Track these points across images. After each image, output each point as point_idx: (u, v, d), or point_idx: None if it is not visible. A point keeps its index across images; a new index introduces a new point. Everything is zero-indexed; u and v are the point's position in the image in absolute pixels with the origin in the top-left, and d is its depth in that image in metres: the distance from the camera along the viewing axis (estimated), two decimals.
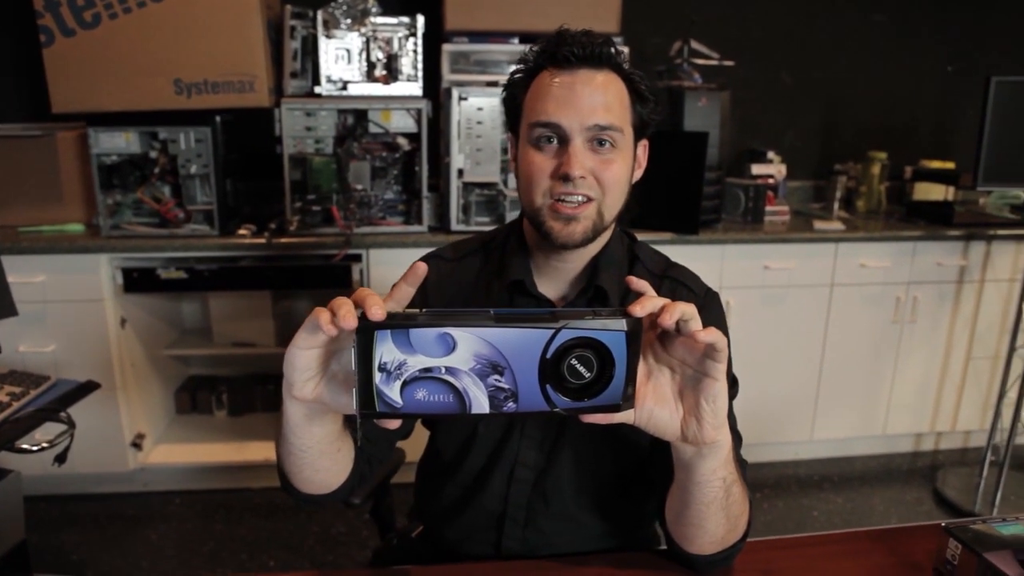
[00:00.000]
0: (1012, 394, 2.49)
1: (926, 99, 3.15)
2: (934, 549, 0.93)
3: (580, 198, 0.91)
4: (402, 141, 2.35)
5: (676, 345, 0.71)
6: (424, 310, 0.63)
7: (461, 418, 0.66)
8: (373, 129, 2.34)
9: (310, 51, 2.38)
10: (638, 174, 1.00)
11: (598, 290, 0.98)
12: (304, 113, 2.31)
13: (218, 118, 2.29)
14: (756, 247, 2.51)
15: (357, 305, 0.62)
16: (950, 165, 3.00)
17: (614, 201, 0.94)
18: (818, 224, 2.62)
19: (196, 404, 2.79)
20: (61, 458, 1.54)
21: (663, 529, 0.93)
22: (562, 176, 0.90)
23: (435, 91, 2.45)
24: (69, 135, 2.34)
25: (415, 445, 1.16)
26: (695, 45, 2.64)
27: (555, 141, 0.92)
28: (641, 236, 1.10)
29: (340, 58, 2.34)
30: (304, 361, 0.68)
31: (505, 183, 2.38)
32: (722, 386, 0.70)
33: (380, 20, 2.34)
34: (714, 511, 0.81)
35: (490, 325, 0.62)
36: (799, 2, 2.97)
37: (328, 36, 2.32)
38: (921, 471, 2.82)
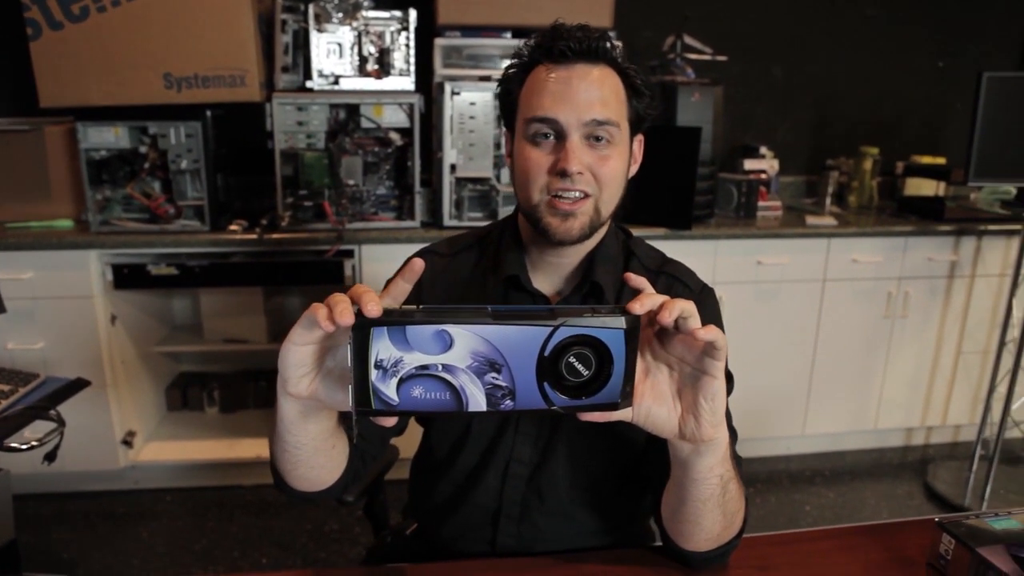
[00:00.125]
0: (1002, 388, 2.51)
1: (917, 94, 3.16)
2: (927, 544, 0.94)
3: (577, 194, 0.91)
4: (394, 136, 2.33)
5: (675, 343, 0.70)
6: (421, 307, 0.63)
7: (458, 416, 0.66)
8: (365, 124, 2.32)
9: (301, 45, 2.37)
10: (634, 169, 0.99)
11: (594, 286, 0.98)
12: (296, 108, 2.29)
13: (209, 113, 2.27)
14: (749, 242, 2.52)
15: (353, 302, 0.62)
16: (941, 160, 3.01)
17: (611, 196, 0.93)
18: (810, 219, 2.63)
19: (187, 401, 2.77)
20: (51, 457, 1.52)
21: (659, 526, 0.93)
22: (559, 172, 0.89)
23: (427, 86, 2.44)
24: (57, 130, 2.31)
25: (409, 442, 1.16)
26: (688, 40, 2.64)
27: (552, 137, 0.91)
28: (634, 231, 1.10)
29: (332, 52, 2.33)
30: (299, 357, 0.68)
31: (498, 178, 2.37)
32: (721, 384, 0.70)
33: (372, 14, 2.33)
34: (711, 508, 0.80)
35: (488, 322, 0.61)
36: None
37: (320, 30, 2.30)
38: (912, 465, 2.84)
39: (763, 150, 2.89)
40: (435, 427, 1.08)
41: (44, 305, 2.24)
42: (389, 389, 0.62)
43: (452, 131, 2.31)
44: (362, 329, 0.60)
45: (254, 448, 2.51)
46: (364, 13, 2.32)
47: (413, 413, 0.64)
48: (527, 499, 1.02)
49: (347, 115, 2.34)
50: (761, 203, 2.71)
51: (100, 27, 2.14)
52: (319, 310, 0.63)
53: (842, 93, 3.11)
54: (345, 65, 2.34)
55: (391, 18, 2.34)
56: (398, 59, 2.37)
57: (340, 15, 2.31)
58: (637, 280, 0.71)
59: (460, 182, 2.38)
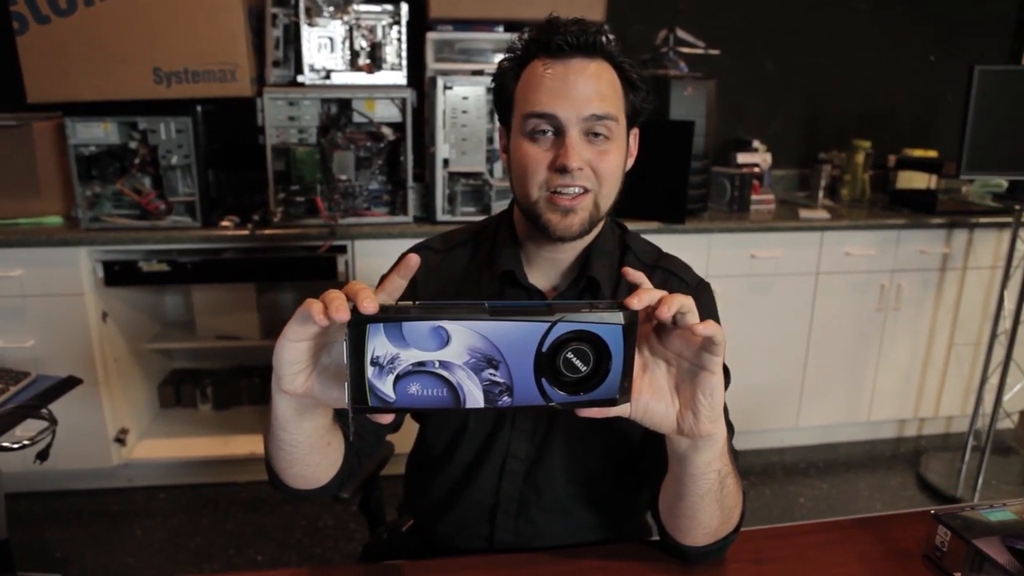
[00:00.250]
0: (994, 380, 2.52)
1: (909, 88, 3.16)
2: (923, 536, 0.94)
3: (577, 189, 0.90)
4: (387, 131, 2.32)
5: (673, 338, 0.70)
6: (417, 303, 0.62)
7: (455, 412, 0.65)
8: (357, 119, 2.31)
9: (292, 39, 2.35)
10: (630, 163, 0.99)
11: (590, 281, 0.98)
12: (287, 103, 2.28)
13: (199, 108, 2.25)
14: (742, 236, 2.52)
15: (349, 298, 0.61)
16: (933, 154, 3.02)
17: (610, 191, 0.93)
18: (803, 213, 2.63)
19: (180, 398, 2.76)
20: (43, 455, 1.51)
21: (655, 521, 0.93)
22: (559, 168, 0.89)
23: (419, 80, 2.43)
24: (45, 125, 2.29)
25: (404, 437, 1.15)
26: (681, 34, 2.64)
27: (550, 133, 0.90)
28: (628, 226, 1.10)
29: (323, 47, 2.31)
30: (294, 354, 0.67)
31: (491, 173, 2.36)
32: (719, 379, 0.69)
33: (363, 8, 2.31)
34: (708, 503, 0.80)
35: (485, 318, 0.61)
36: None
37: (311, 24, 2.29)
38: (904, 456, 2.86)
39: (756, 144, 2.90)
40: (431, 423, 1.07)
41: (34, 303, 2.22)
42: (386, 386, 0.61)
43: (444, 126, 2.30)
44: (358, 325, 0.60)
45: (248, 445, 2.50)
46: (355, 7, 2.30)
47: (410, 410, 0.64)
48: (524, 495, 1.02)
49: (339, 110, 2.32)
50: (754, 197, 2.71)
51: (88, 21, 2.12)
52: (314, 305, 0.62)
53: (834, 86, 3.11)
54: (336, 59, 2.33)
55: (382, 12, 2.32)
56: (390, 53, 2.36)
57: (331, 9, 2.29)
58: (635, 275, 0.70)
59: (453, 177, 2.37)
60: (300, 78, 2.31)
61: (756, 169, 2.78)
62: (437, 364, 0.61)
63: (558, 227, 0.91)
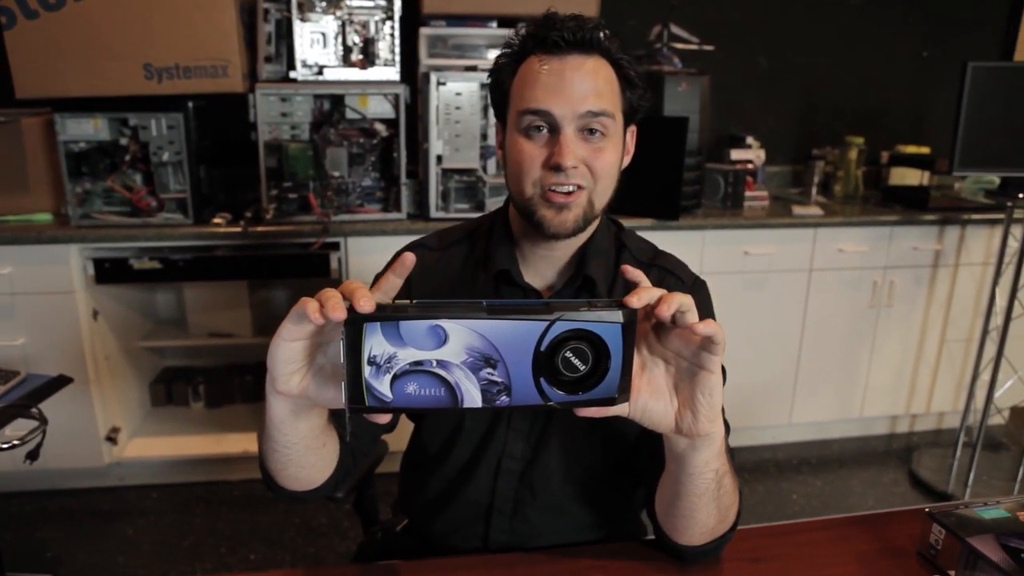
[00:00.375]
0: (985, 376, 2.53)
1: (902, 84, 3.17)
2: (918, 534, 0.94)
3: (571, 187, 0.90)
4: (380, 127, 2.31)
5: (671, 337, 0.69)
6: (414, 301, 0.62)
7: (452, 412, 0.65)
8: (350, 115, 2.30)
9: (284, 35, 2.33)
10: (626, 160, 0.98)
11: (586, 279, 0.97)
12: (279, 98, 2.26)
13: (190, 104, 2.23)
14: (736, 232, 2.52)
15: (345, 297, 0.61)
16: (925, 150, 3.03)
17: (605, 189, 0.93)
18: (797, 209, 2.64)
19: (172, 396, 2.74)
20: (33, 455, 1.50)
21: (652, 520, 0.93)
22: (554, 166, 0.88)
23: (413, 76, 2.42)
24: (34, 121, 2.27)
25: (399, 435, 1.14)
26: (674, 29, 2.63)
27: (545, 129, 0.90)
28: (622, 222, 1.09)
29: (315, 42, 2.30)
30: (289, 353, 0.66)
31: (484, 169, 2.36)
32: (718, 379, 0.69)
33: (356, 3, 2.30)
34: (706, 502, 0.80)
35: (483, 317, 0.60)
36: None
37: (303, 19, 2.27)
38: (897, 453, 2.87)
39: (749, 140, 2.90)
40: (426, 423, 1.07)
41: (24, 301, 2.20)
42: (383, 386, 0.61)
43: (438, 122, 2.29)
44: (355, 324, 0.59)
45: (240, 443, 2.49)
46: (348, 2, 2.28)
47: (407, 410, 0.63)
48: (520, 494, 1.02)
49: (332, 106, 2.31)
50: (748, 193, 2.71)
51: (77, 16, 2.10)
52: (309, 304, 0.62)
53: (827, 83, 3.12)
54: (329, 55, 2.31)
55: (375, 7, 2.31)
56: (383, 49, 2.34)
57: (323, 4, 2.28)
58: (633, 273, 0.70)
59: (446, 173, 2.36)
60: (292, 74, 2.30)
61: (750, 165, 2.79)
62: (435, 363, 0.61)
63: (552, 224, 0.91)
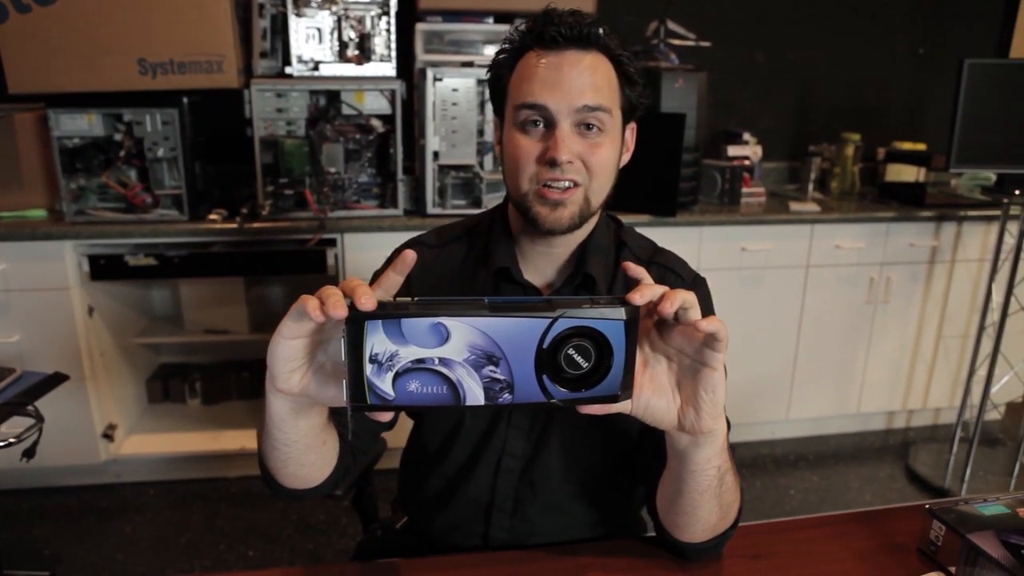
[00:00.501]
0: (981, 372, 2.54)
1: (898, 81, 3.17)
2: (917, 530, 0.94)
3: (567, 183, 0.89)
4: (376, 123, 2.30)
5: (674, 334, 0.69)
6: (416, 299, 0.61)
7: (455, 410, 0.64)
8: (346, 111, 2.29)
9: (280, 30, 2.32)
10: (626, 158, 0.98)
11: (586, 277, 0.97)
12: (275, 94, 2.25)
13: (185, 99, 2.22)
14: (733, 229, 2.52)
15: (346, 294, 0.60)
16: (922, 147, 3.03)
17: (601, 186, 0.92)
18: (793, 206, 2.64)
19: (168, 393, 2.73)
20: (29, 453, 1.49)
21: (653, 517, 0.92)
22: (548, 161, 0.88)
23: (409, 72, 2.41)
24: (28, 117, 2.25)
25: (398, 432, 1.14)
26: (671, 26, 2.63)
27: (541, 124, 0.89)
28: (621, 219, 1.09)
29: (311, 37, 2.29)
30: (289, 352, 0.66)
31: (481, 165, 2.35)
32: (720, 376, 0.69)
33: None
34: (707, 499, 0.80)
35: (485, 314, 0.60)
36: None
37: (298, 15, 2.26)
38: (893, 448, 2.88)
39: (746, 136, 2.90)
40: (426, 421, 1.06)
41: (19, 298, 2.18)
42: (385, 384, 0.60)
43: (435, 118, 2.28)
44: (356, 322, 0.59)
45: (238, 440, 2.48)
46: None
47: (409, 408, 0.63)
48: (520, 492, 1.01)
49: (327, 102, 2.30)
50: (745, 189, 2.71)
51: (70, 10, 2.08)
52: (309, 302, 0.61)
53: (824, 79, 3.12)
54: (325, 51, 2.30)
55: (371, 2, 2.29)
56: (379, 44, 2.33)
57: None
58: (635, 270, 0.69)
59: (443, 169, 2.35)
60: (288, 69, 2.29)
61: (747, 162, 2.78)
62: (437, 361, 0.60)
63: (547, 220, 0.90)
